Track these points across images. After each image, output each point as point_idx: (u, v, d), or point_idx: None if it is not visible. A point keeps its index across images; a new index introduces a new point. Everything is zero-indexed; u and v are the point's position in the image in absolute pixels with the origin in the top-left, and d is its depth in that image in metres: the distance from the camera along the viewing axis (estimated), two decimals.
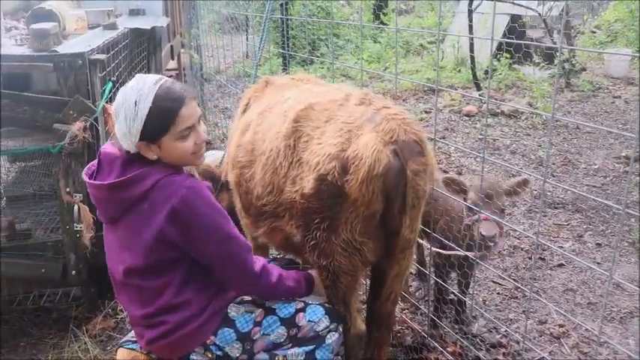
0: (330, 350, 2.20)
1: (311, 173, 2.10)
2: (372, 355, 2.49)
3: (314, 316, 2.20)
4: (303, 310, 2.22)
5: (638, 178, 5.45)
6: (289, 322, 2.18)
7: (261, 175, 2.38)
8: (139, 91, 1.91)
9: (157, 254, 1.95)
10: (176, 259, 1.99)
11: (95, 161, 2.10)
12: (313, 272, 2.36)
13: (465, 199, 2.68)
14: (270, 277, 2.13)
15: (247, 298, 2.24)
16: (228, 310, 2.16)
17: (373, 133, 2.03)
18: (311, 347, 2.17)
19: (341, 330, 2.26)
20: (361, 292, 2.99)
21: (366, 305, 2.63)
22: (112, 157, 2.02)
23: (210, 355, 2.11)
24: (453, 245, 2.81)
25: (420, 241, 3.05)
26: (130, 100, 1.90)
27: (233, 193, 2.83)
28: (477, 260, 2.74)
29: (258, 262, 2.12)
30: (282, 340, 2.17)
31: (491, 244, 2.57)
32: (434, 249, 2.88)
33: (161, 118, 1.91)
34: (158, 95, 1.90)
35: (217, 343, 2.11)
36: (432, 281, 3.13)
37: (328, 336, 2.20)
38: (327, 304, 2.28)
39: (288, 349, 2.17)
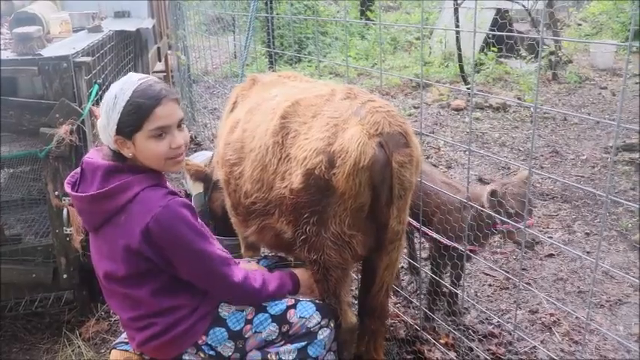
0: (322, 346, 2.21)
1: (299, 168, 2.11)
2: (368, 349, 2.50)
3: (305, 312, 2.21)
4: (294, 306, 2.22)
5: (626, 167, 5.51)
6: (280, 319, 2.18)
7: (250, 172, 2.39)
8: (122, 85, 1.96)
9: (136, 266, 1.95)
10: (156, 269, 1.98)
11: (77, 170, 2.10)
12: (299, 272, 2.37)
13: (497, 209, 2.65)
14: (253, 283, 2.14)
15: None
16: (219, 310, 2.16)
17: (359, 126, 2.04)
18: (303, 343, 2.18)
19: (332, 325, 2.27)
20: (353, 288, 3.01)
21: (357, 299, 2.64)
22: (94, 167, 2.01)
23: (202, 355, 2.11)
24: (445, 239, 2.83)
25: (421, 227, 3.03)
26: (112, 92, 1.96)
27: (223, 192, 2.83)
28: (473, 255, 2.76)
29: (239, 272, 2.12)
30: (274, 337, 2.17)
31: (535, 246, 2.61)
32: (445, 242, 2.88)
33: (135, 114, 1.92)
34: (137, 90, 1.94)
35: (209, 342, 2.11)
36: (424, 274, 3.15)
37: (320, 332, 2.21)
38: (317, 300, 2.29)
39: (281, 346, 2.18)
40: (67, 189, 2.05)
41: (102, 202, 1.95)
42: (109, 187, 1.94)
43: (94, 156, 2.07)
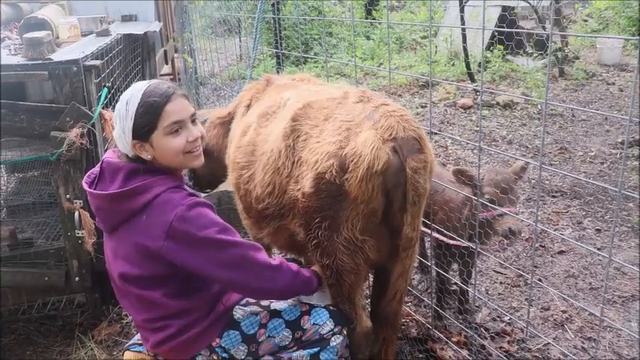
0: (334, 352, 2.21)
1: (310, 172, 2.09)
2: (380, 355, 2.48)
3: (319, 319, 2.21)
4: (308, 313, 2.23)
5: (636, 162, 5.48)
6: (294, 325, 2.19)
7: (261, 176, 2.37)
8: (131, 92, 1.98)
9: (152, 268, 1.95)
10: (172, 273, 1.97)
11: (96, 169, 2.10)
12: (318, 268, 2.36)
13: (474, 193, 2.63)
14: (290, 266, 2.12)
15: (252, 300, 2.24)
16: (234, 313, 2.16)
17: (372, 131, 2.02)
18: (316, 350, 2.18)
19: (345, 333, 2.27)
20: (365, 286, 3.00)
21: (370, 305, 2.62)
22: (115, 167, 2.01)
23: (215, 357, 2.11)
24: (453, 235, 2.82)
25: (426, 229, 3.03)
26: (123, 101, 1.98)
27: (234, 195, 2.82)
28: (483, 251, 2.76)
29: (275, 259, 2.11)
30: (287, 342, 2.18)
31: (515, 237, 2.56)
32: (438, 237, 2.87)
33: (148, 114, 1.94)
34: (145, 92, 1.96)
35: (223, 345, 2.11)
36: (434, 273, 3.14)
37: (333, 339, 2.21)
38: (331, 307, 2.28)
39: (293, 351, 2.19)
40: (86, 187, 2.06)
41: (123, 202, 1.95)
42: (131, 186, 1.95)
43: (114, 156, 2.08)
